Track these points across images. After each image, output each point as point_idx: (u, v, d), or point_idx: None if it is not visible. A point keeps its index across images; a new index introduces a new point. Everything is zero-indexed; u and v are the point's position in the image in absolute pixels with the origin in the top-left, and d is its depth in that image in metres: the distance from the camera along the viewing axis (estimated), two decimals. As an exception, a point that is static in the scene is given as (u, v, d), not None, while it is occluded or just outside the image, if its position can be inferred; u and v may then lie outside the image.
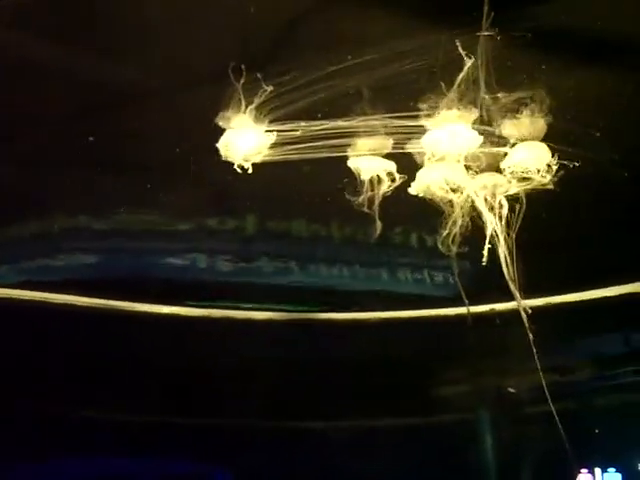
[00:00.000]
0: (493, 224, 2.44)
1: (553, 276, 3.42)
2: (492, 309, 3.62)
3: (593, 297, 3.69)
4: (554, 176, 2.38)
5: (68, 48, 2.48)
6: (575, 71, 2.57)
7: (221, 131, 2.68)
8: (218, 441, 3.97)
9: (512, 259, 2.45)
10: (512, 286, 2.48)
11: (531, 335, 2.52)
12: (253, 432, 3.97)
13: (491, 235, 2.43)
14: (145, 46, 2.47)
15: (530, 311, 2.52)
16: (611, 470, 4.11)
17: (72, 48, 2.49)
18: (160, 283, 3.70)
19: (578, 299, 3.70)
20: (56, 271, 3.54)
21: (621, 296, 3.64)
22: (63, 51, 2.49)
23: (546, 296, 3.67)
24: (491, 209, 2.43)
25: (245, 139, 2.35)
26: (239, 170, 2.38)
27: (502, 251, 2.44)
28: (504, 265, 2.46)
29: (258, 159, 2.38)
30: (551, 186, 2.40)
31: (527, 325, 2.50)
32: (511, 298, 3.67)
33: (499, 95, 2.30)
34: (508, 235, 2.42)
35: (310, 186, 3.14)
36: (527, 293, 3.67)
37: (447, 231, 2.47)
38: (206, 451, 3.93)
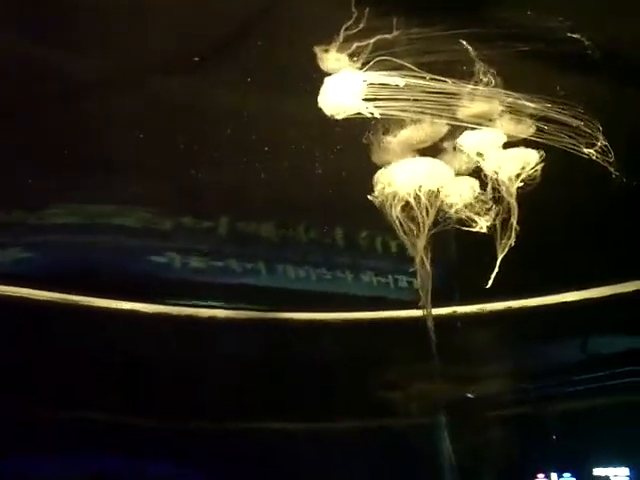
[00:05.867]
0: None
1: (514, 281, 3.45)
2: (454, 311, 3.66)
3: (552, 302, 3.74)
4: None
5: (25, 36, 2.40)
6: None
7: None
8: (184, 441, 3.94)
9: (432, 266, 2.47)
10: (423, 295, 2.49)
11: (434, 346, 2.54)
12: (217, 431, 3.95)
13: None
14: (111, 35, 2.41)
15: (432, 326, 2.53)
16: (566, 475, 4.17)
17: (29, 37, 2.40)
18: (122, 279, 3.66)
19: (538, 304, 3.75)
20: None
21: (580, 302, 3.70)
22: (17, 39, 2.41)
23: (507, 300, 3.73)
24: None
25: (347, 88, 2.17)
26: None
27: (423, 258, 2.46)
28: (420, 273, 2.48)
29: (354, 110, 2.21)
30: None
31: (432, 336, 2.52)
32: (474, 301, 3.78)
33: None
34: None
35: (282, 189, 3.15)
36: (488, 297, 3.75)
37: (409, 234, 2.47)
38: (175, 451, 3.91)
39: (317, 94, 2.27)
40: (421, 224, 2.50)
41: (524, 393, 4.21)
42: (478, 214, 2.45)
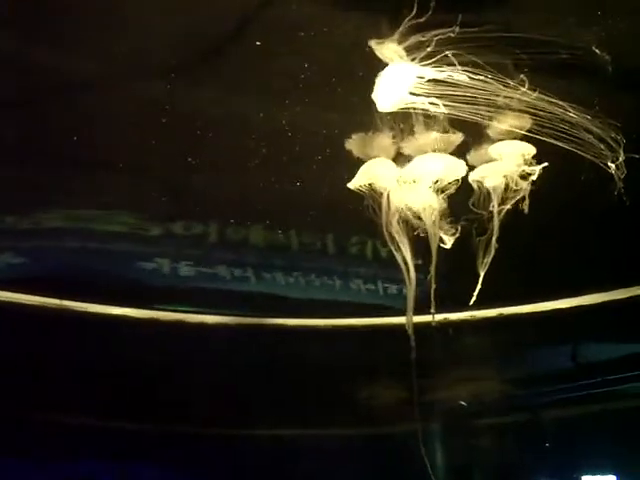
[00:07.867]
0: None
1: (505, 287, 3.46)
2: (445, 318, 3.65)
3: (544, 309, 3.75)
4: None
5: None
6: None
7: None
8: (173, 445, 3.93)
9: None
10: (409, 301, 2.50)
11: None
12: (206, 436, 3.94)
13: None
14: (103, 35, 2.38)
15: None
16: (556, 482, 4.20)
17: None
18: (112, 284, 3.64)
19: (530, 310, 3.76)
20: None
21: (573, 308, 3.71)
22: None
23: (499, 307, 3.73)
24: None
25: (397, 81, 2.14)
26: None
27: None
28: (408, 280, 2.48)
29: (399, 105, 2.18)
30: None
31: (412, 342, 2.52)
32: (465, 308, 3.77)
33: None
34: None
35: (270, 195, 3.13)
36: (480, 304, 3.75)
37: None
38: (163, 456, 3.90)
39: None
40: (411, 230, 2.50)
41: (514, 400, 4.22)
42: (445, 230, 2.46)
